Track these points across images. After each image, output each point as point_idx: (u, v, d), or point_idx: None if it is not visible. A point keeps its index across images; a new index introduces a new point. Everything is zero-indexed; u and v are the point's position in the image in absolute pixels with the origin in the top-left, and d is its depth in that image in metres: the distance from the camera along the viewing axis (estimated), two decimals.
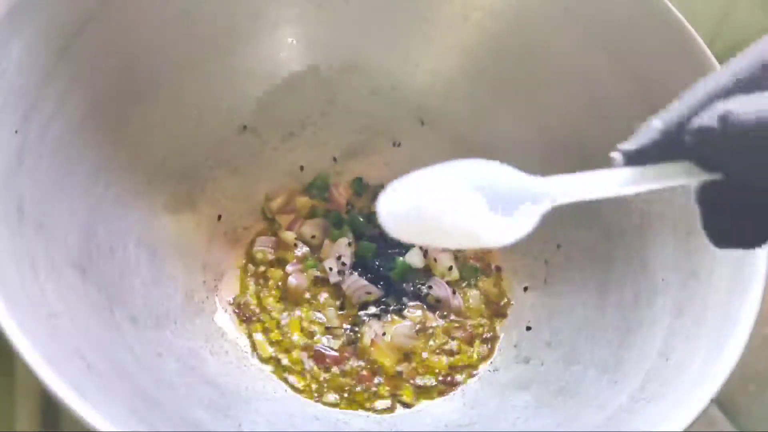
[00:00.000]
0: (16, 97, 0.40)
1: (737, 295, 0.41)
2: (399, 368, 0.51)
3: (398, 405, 0.50)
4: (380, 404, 0.50)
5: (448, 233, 0.26)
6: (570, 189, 0.27)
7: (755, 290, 0.40)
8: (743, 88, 0.25)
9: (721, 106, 0.24)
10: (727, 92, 0.25)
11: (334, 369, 0.51)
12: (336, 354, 0.52)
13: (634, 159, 0.26)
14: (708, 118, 0.24)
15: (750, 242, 0.27)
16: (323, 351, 0.52)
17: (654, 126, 0.26)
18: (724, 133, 0.24)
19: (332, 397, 0.50)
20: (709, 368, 0.39)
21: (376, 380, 0.51)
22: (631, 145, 0.26)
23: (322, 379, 0.50)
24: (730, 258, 0.43)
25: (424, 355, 0.52)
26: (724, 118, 0.24)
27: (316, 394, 0.50)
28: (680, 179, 0.26)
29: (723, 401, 0.55)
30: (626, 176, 0.26)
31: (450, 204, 0.26)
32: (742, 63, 0.26)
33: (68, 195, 0.43)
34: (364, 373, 0.51)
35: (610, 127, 0.52)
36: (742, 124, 0.23)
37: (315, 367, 0.51)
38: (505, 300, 0.55)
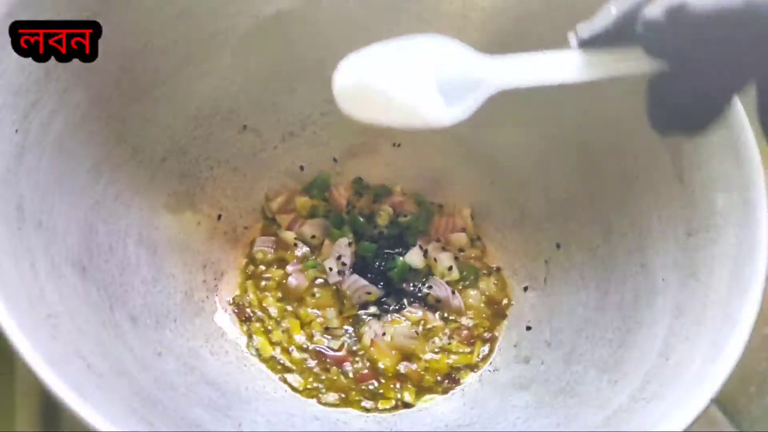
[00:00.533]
0: (16, 96, 0.40)
1: (737, 295, 0.41)
2: (399, 368, 0.51)
3: (399, 405, 0.50)
4: (381, 404, 0.50)
5: (394, 108, 0.27)
6: (521, 71, 0.28)
7: (755, 290, 0.40)
8: None
9: None
10: None
11: (334, 369, 0.51)
12: (337, 354, 0.52)
13: (588, 43, 0.27)
14: (660, 10, 0.25)
15: (690, 127, 0.29)
16: (324, 352, 0.52)
17: (610, 12, 0.27)
18: (673, 24, 0.24)
19: (332, 397, 0.50)
20: (709, 368, 0.39)
21: (376, 380, 0.51)
22: (585, 31, 0.27)
23: (322, 379, 0.50)
24: (730, 258, 0.43)
25: (424, 355, 0.52)
26: (673, 11, 0.24)
27: (316, 395, 0.50)
28: (630, 67, 0.27)
29: (723, 401, 0.55)
30: (577, 61, 0.27)
31: (398, 80, 0.27)
32: None
33: (68, 194, 0.43)
34: (365, 372, 0.51)
35: (610, 125, 0.52)
36: (691, 15, 0.24)
37: (315, 368, 0.51)
38: (505, 300, 0.55)
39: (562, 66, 0.27)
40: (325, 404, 0.49)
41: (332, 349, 0.52)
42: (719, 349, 0.39)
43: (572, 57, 0.27)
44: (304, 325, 0.53)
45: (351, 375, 0.51)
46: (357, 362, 0.51)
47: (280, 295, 0.54)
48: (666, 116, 0.29)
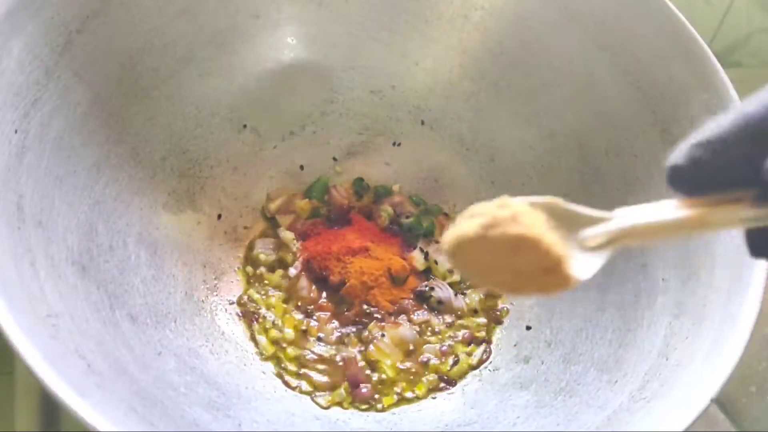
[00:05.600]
0: (17, 95, 0.40)
1: (737, 295, 0.41)
2: (401, 369, 0.51)
3: (401, 400, 0.50)
4: (385, 401, 0.50)
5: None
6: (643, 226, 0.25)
7: (755, 290, 0.40)
8: None
9: None
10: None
11: (335, 373, 0.51)
12: (338, 360, 0.51)
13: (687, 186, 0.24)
14: None
15: None
16: (324, 355, 0.51)
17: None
18: None
19: (331, 397, 0.50)
20: (709, 368, 0.39)
21: (377, 382, 0.51)
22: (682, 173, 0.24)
23: (322, 380, 0.50)
24: (730, 258, 0.43)
25: (425, 356, 0.52)
26: None
27: (315, 395, 0.50)
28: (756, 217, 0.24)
29: (723, 401, 0.55)
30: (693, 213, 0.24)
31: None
32: None
33: (68, 193, 0.43)
34: (365, 390, 0.50)
35: (610, 125, 0.52)
36: None
37: (316, 368, 0.51)
38: (505, 300, 0.55)
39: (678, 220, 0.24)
40: (324, 407, 0.49)
41: (330, 354, 0.52)
42: (719, 349, 0.39)
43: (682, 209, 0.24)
44: (304, 325, 0.53)
45: (351, 383, 0.50)
46: (359, 365, 0.51)
47: (281, 296, 0.54)
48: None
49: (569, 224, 0.26)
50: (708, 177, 0.24)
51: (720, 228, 0.25)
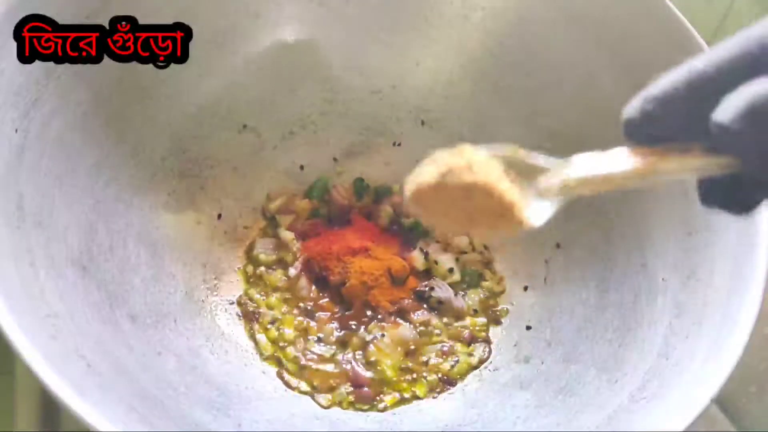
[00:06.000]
0: (17, 95, 0.40)
1: (737, 295, 0.41)
2: (401, 369, 0.51)
3: (402, 400, 0.50)
4: (383, 403, 0.50)
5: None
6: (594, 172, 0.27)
7: (755, 290, 0.40)
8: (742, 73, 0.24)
9: (743, 100, 0.22)
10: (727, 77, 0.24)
11: (335, 373, 0.51)
12: (339, 358, 0.51)
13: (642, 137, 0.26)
14: (735, 113, 0.22)
15: (739, 210, 0.27)
16: (324, 355, 0.51)
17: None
18: (756, 127, 0.22)
19: (331, 397, 0.50)
20: (709, 368, 0.39)
21: (377, 382, 0.51)
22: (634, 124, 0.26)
23: (322, 380, 0.50)
24: (730, 258, 0.43)
25: (425, 356, 0.52)
26: (755, 113, 0.22)
27: (315, 395, 0.50)
28: (703, 166, 0.25)
29: (723, 401, 0.55)
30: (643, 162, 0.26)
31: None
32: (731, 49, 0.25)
33: (68, 193, 0.43)
34: (365, 390, 0.50)
35: (610, 126, 0.52)
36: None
37: (316, 368, 0.51)
38: (505, 301, 0.55)
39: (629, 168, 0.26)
40: (324, 407, 0.49)
41: (330, 354, 0.52)
42: (719, 348, 0.39)
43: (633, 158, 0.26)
44: (305, 325, 0.53)
45: (354, 382, 0.50)
46: (359, 365, 0.51)
47: (281, 295, 0.54)
48: (720, 197, 0.26)
49: (527, 173, 0.28)
50: (660, 129, 0.25)
51: (670, 176, 0.26)
